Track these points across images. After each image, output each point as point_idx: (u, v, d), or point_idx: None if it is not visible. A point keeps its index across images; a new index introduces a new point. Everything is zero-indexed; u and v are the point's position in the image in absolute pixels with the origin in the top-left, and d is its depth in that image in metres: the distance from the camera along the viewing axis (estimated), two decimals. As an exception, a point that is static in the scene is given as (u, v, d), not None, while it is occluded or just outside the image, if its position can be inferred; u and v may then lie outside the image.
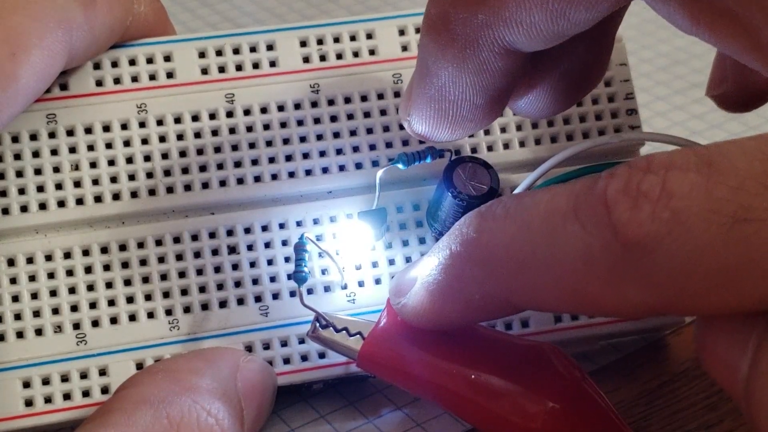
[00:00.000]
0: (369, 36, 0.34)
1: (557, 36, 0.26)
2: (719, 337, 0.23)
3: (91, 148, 0.32)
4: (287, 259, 0.32)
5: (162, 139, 0.32)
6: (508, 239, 0.24)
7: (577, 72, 0.30)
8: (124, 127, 0.32)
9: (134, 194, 0.32)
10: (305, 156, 0.33)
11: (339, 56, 0.34)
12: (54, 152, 0.32)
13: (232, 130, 0.33)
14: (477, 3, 0.26)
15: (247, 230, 0.32)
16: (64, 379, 0.31)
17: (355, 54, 0.34)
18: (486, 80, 0.27)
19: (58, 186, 0.32)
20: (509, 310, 0.26)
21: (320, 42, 0.34)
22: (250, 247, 0.32)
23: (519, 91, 0.30)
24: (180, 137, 0.32)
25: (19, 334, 0.31)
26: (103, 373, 0.31)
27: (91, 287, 0.31)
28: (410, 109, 0.29)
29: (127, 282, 0.31)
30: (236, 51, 0.33)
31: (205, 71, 0.33)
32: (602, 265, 0.22)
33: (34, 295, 0.31)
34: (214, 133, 0.33)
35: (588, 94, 0.33)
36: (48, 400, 0.30)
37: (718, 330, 0.23)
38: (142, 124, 0.32)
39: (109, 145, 0.32)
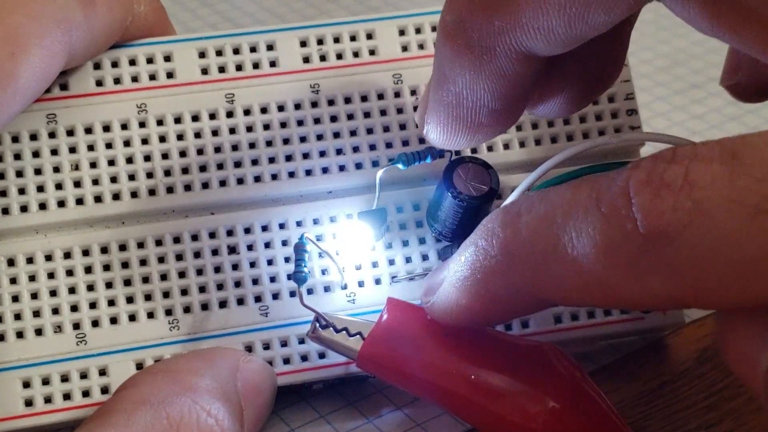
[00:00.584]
0: (369, 36, 0.34)
1: (575, 40, 0.26)
2: (740, 329, 0.23)
3: (91, 148, 0.32)
4: (287, 259, 0.32)
5: (162, 139, 0.32)
6: (531, 232, 0.25)
7: (593, 73, 0.30)
8: (124, 127, 0.32)
9: (134, 194, 0.32)
10: (305, 156, 0.33)
11: (339, 56, 0.34)
12: (54, 152, 0.32)
13: (232, 130, 0.33)
14: (493, 9, 0.26)
15: (247, 230, 0.32)
16: (64, 379, 0.31)
17: (356, 54, 0.34)
18: (503, 86, 0.27)
19: (58, 186, 0.32)
20: (535, 305, 0.27)
21: (320, 42, 0.34)
22: (250, 247, 0.32)
23: (536, 94, 0.30)
24: (180, 137, 0.32)
25: (19, 334, 0.31)
26: (103, 373, 0.31)
27: (91, 287, 0.31)
28: (427, 117, 0.29)
29: (127, 282, 0.31)
30: (236, 51, 0.33)
31: (205, 71, 0.33)
32: (624, 256, 0.23)
33: (34, 295, 0.31)
34: (214, 133, 0.33)
35: (604, 93, 0.32)
36: (48, 400, 0.30)
37: (740, 323, 0.23)
38: (142, 124, 0.32)
39: (109, 145, 0.32)
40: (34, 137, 0.32)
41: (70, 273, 0.31)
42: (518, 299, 0.26)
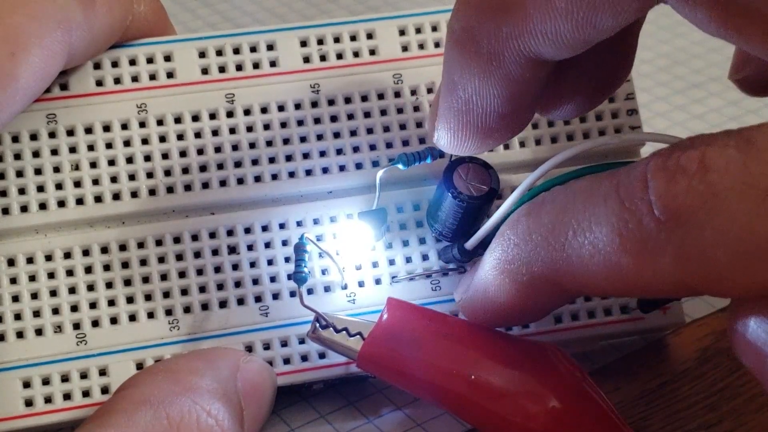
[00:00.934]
0: (369, 36, 0.34)
1: (583, 44, 0.26)
2: (751, 321, 0.23)
3: (91, 148, 0.32)
4: (287, 259, 0.32)
5: (162, 139, 0.32)
6: (553, 219, 0.25)
7: (603, 74, 0.30)
8: (124, 127, 0.32)
9: (134, 194, 0.32)
10: (305, 156, 0.33)
11: (339, 56, 0.34)
12: (54, 152, 0.32)
13: (232, 130, 0.33)
14: (501, 16, 0.26)
15: (248, 230, 0.32)
16: (64, 379, 0.31)
17: (356, 54, 0.34)
18: (512, 90, 0.27)
19: (58, 186, 0.32)
20: (557, 296, 0.27)
21: (320, 42, 0.34)
22: (250, 247, 0.32)
23: (545, 97, 0.30)
24: (180, 137, 0.32)
25: (19, 334, 0.31)
26: (103, 373, 0.31)
27: (91, 287, 0.31)
28: (437, 123, 0.29)
29: (127, 282, 0.31)
30: (236, 51, 0.33)
31: (205, 71, 0.33)
32: (637, 240, 0.23)
33: (34, 295, 0.31)
34: (215, 133, 0.33)
35: (614, 92, 0.33)
36: (48, 400, 0.30)
37: (750, 314, 0.23)
38: (142, 124, 0.32)
39: (109, 145, 0.32)
40: (34, 137, 0.32)
41: (70, 273, 0.31)
42: (541, 288, 0.26)
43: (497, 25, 0.26)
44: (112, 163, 0.32)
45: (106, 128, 0.32)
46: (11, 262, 0.31)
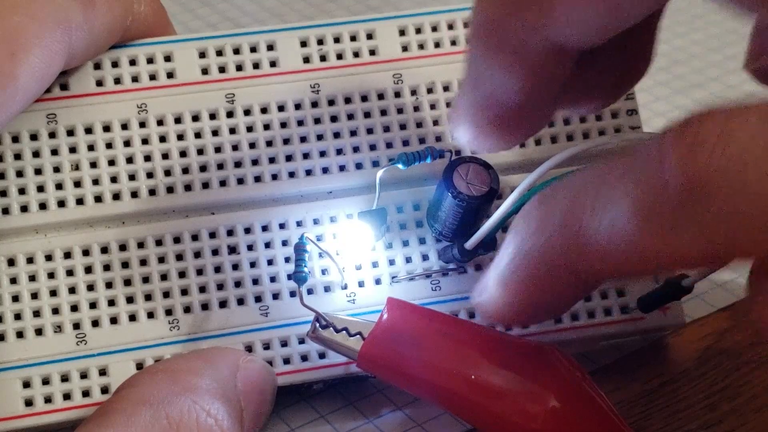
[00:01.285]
0: (369, 36, 0.34)
1: (609, 31, 0.26)
2: None
3: (91, 148, 0.32)
4: (287, 259, 0.32)
5: (162, 139, 0.32)
6: (567, 204, 0.25)
7: (625, 66, 0.30)
8: (124, 127, 0.32)
9: (134, 194, 0.32)
10: (305, 156, 0.33)
11: (339, 56, 0.34)
12: (54, 152, 0.32)
13: (232, 130, 0.33)
14: (525, 6, 0.26)
15: (247, 230, 0.32)
16: (64, 379, 0.31)
17: (356, 54, 0.34)
18: (535, 84, 0.27)
19: (59, 186, 0.32)
20: (574, 286, 0.26)
21: (320, 42, 0.34)
22: (250, 247, 0.32)
23: (567, 93, 0.30)
24: (180, 137, 0.32)
25: (19, 334, 0.31)
26: (103, 373, 0.31)
27: (91, 287, 0.31)
28: (460, 118, 0.29)
29: (127, 282, 0.31)
30: (236, 51, 0.33)
31: (205, 71, 0.33)
32: (657, 212, 0.23)
33: (34, 295, 0.31)
34: (215, 133, 0.33)
35: (635, 85, 0.32)
36: (48, 400, 0.30)
37: None
38: (142, 124, 0.32)
39: (109, 145, 0.32)
40: (34, 137, 0.32)
41: (70, 273, 0.31)
42: (557, 279, 0.26)
43: (521, 17, 0.26)
44: (112, 163, 0.32)
45: (106, 128, 0.32)
46: (11, 262, 0.31)
